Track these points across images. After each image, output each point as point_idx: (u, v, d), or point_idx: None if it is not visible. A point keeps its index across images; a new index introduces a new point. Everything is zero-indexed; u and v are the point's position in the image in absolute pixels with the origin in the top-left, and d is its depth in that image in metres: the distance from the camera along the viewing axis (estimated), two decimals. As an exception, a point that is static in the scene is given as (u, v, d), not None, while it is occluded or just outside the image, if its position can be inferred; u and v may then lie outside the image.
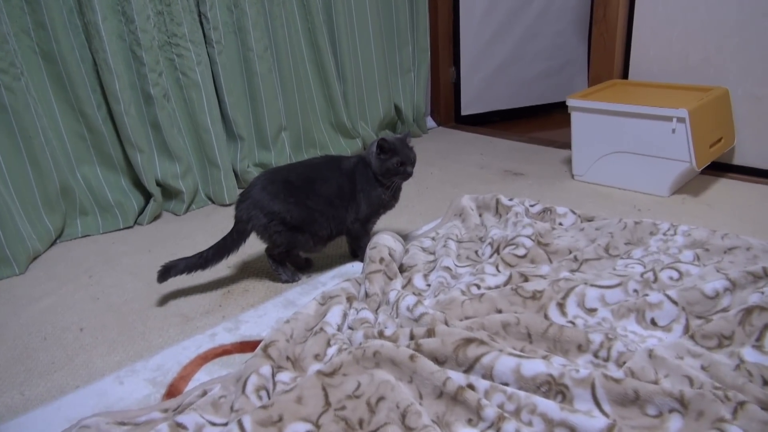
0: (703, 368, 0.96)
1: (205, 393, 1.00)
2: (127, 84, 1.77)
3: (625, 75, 2.13)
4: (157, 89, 1.81)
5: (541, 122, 2.91)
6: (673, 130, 1.69)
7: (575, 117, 1.92)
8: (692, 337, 1.03)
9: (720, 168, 1.93)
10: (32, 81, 1.67)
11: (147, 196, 1.90)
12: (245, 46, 2.01)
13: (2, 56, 1.55)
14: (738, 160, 1.93)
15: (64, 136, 1.77)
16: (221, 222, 1.84)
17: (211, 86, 1.94)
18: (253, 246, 1.39)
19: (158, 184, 1.90)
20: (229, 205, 1.97)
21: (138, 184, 1.89)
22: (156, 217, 1.91)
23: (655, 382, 0.93)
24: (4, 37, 1.56)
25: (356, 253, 1.52)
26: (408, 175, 1.38)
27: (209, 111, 1.92)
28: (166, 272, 1.32)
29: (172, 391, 1.06)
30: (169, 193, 1.95)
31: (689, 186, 1.85)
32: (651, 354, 0.97)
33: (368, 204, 1.41)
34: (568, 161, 2.12)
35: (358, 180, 1.40)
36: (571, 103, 1.91)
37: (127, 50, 1.78)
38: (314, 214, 1.36)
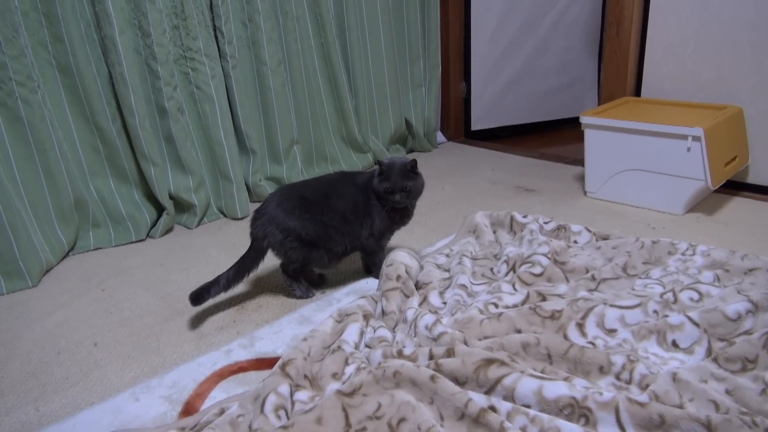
0: (727, 392, 0.95)
1: (222, 411, 0.99)
2: (142, 97, 1.78)
3: (637, 92, 2.13)
4: (172, 103, 1.81)
5: (550, 138, 2.91)
6: (689, 149, 1.68)
7: (589, 134, 1.92)
8: (715, 360, 1.02)
9: (734, 186, 1.93)
10: (48, 94, 1.68)
11: (159, 209, 1.90)
12: (259, 60, 2.02)
13: (19, 69, 1.56)
14: (752, 179, 1.92)
15: (79, 149, 1.77)
16: (233, 236, 1.84)
17: (225, 100, 1.95)
18: (267, 261, 1.39)
19: (171, 197, 1.90)
20: (241, 218, 1.96)
21: (150, 197, 1.89)
22: (168, 231, 1.91)
23: (680, 407, 0.91)
24: (22, 50, 1.57)
25: (370, 269, 1.51)
26: (396, 203, 1.35)
27: (222, 125, 1.93)
28: (199, 298, 1.31)
29: (189, 409, 1.05)
30: (181, 206, 1.95)
31: (703, 204, 1.84)
32: (675, 377, 0.96)
33: (381, 219, 1.40)
34: (580, 178, 2.12)
35: (372, 196, 1.39)
36: (584, 120, 1.90)
37: (142, 64, 1.79)
38: (329, 230, 1.35)
